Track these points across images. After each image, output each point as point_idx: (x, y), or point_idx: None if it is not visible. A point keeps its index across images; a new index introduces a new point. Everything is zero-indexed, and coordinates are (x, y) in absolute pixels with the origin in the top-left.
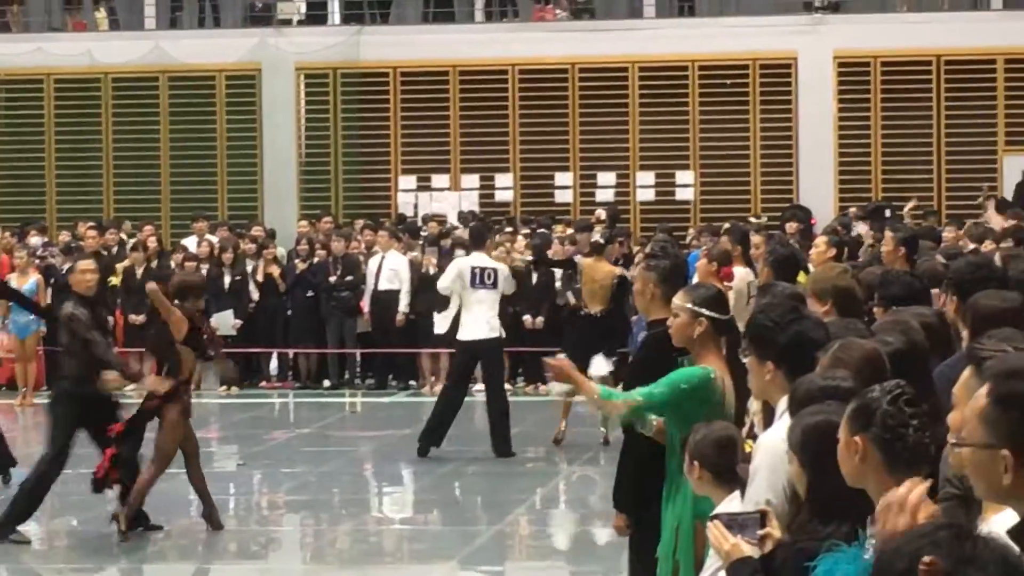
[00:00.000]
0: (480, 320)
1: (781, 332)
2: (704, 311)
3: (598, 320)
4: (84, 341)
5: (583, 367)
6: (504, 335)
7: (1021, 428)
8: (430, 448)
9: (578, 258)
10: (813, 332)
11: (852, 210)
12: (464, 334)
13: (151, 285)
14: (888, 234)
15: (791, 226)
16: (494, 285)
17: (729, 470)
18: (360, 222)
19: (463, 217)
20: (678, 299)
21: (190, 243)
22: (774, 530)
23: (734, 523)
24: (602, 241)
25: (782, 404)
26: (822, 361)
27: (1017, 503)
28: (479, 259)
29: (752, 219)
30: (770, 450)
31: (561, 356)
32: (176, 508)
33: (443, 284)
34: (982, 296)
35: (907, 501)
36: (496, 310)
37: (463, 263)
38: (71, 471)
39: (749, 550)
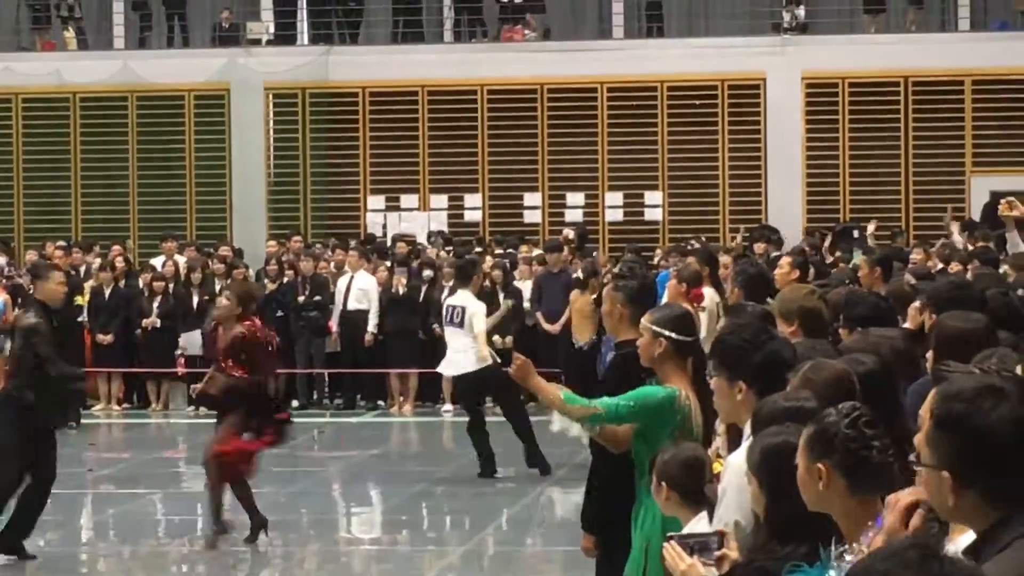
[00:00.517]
0: (455, 357)
1: (755, 351)
2: (665, 332)
3: (586, 352)
4: (38, 355)
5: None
6: (495, 361)
7: (957, 451)
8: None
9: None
10: (784, 352)
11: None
12: (446, 369)
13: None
14: (862, 258)
15: (759, 246)
16: (460, 324)
17: (696, 491)
18: (331, 241)
19: (432, 237)
20: (643, 319)
21: (159, 263)
22: (731, 551)
23: (691, 544)
24: (581, 276)
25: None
26: (792, 381)
27: (967, 523)
28: (457, 297)
29: (738, 236)
30: (739, 470)
31: (521, 357)
32: (143, 528)
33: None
34: (947, 317)
35: (899, 501)
36: (472, 345)
37: (447, 302)
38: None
39: (705, 571)
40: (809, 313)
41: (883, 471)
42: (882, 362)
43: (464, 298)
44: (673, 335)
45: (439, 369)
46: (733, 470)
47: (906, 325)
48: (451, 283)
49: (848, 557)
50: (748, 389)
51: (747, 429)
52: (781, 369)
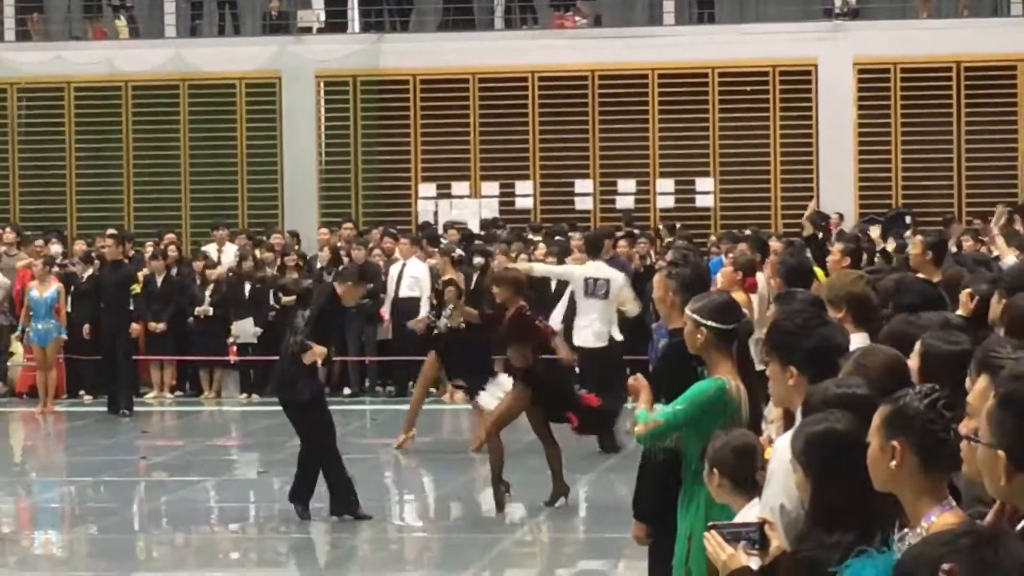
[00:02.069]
0: (586, 329)
1: (806, 337)
2: (705, 321)
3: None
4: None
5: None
6: (615, 341)
7: (1017, 432)
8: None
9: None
10: (836, 337)
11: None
12: (575, 340)
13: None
14: (917, 238)
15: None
16: (606, 296)
17: (748, 478)
18: (378, 230)
19: (484, 224)
20: (686, 309)
21: (211, 250)
22: (774, 540)
23: (733, 534)
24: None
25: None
26: (844, 367)
27: (1018, 503)
28: (594, 268)
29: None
30: (786, 454)
31: (639, 377)
32: (196, 516)
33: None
34: (1020, 298)
35: None
36: (607, 319)
37: (578, 271)
38: (91, 478)
39: (747, 561)
40: (857, 299)
41: (955, 454)
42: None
43: (603, 270)
44: (713, 324)
45: (573, 340)
46: (780, 454)
47: (958, 312)
48: (571, 257)
49: (910, 540)
50: (799, 374)
51: (799, 414)
52: (833, 355)
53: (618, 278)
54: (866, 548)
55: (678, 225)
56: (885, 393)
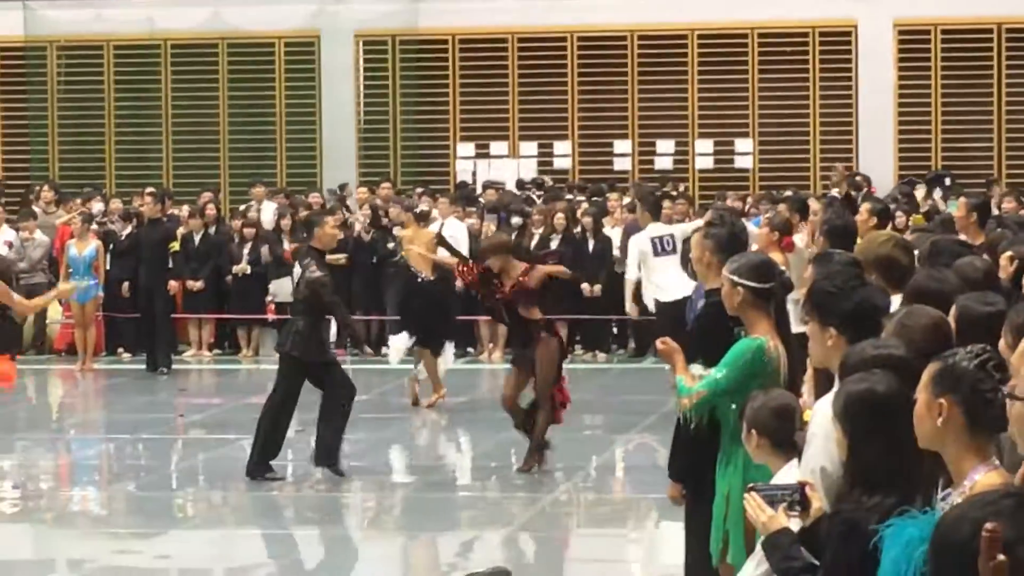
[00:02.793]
0: (675, 282)
1: (845, 298)
2: (742, 280)
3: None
4: (324, 305)
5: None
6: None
7: None
8: None
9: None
10: (876, 298)
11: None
12: (665, 296)
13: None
14: (961, 200)
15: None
16: (675, 250)
17: (787, 438)
18: (417, 189)
19: (521, 183)
20: (724, 269)
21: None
22: (815, 501)
23: (773, 495)
24: (427, 210)
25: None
26: (887, 328)
27: None
28: (657, 228)
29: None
30: (827, 416)
31: (668, 340)
32: (233, 473)
33: (630, 273)
34: None
35: None
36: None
37: (641, 239)
38: (128, 436)
39: (788, 522)
40: (885, 261)
41: (1002, 415)
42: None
43: (666, 227)
44: (750, 283)
45: (657, 297)
46: (821, 416)
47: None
48: (631, 216)
49: (953, 499)
50: (839, 335)
51: (811, 371)
52: (872, 316)
53: (678, 230)
54: (908, 508)
55: (682, 187)
56: (928, 353)
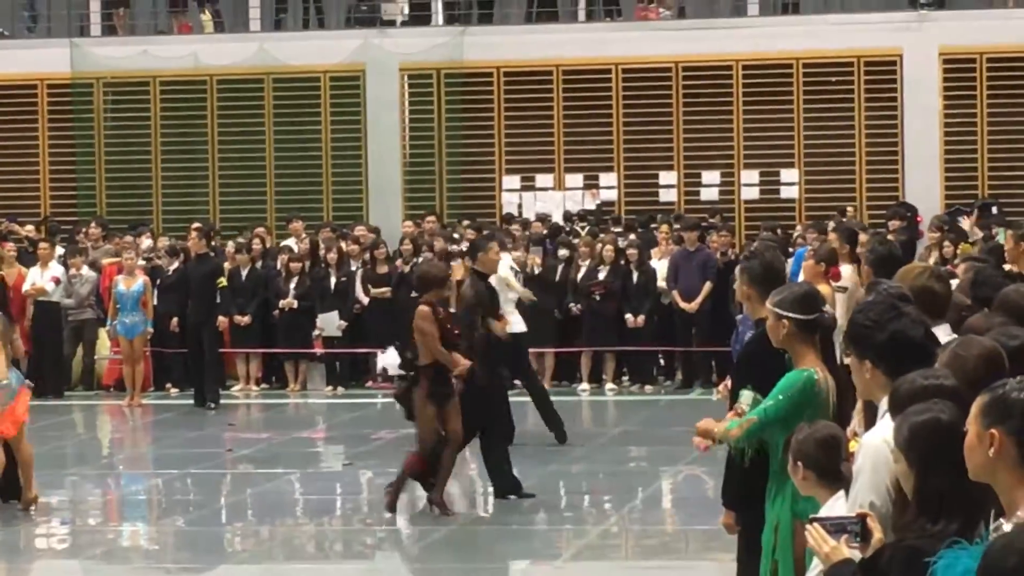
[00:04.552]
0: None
1: (880, 330)
2: (786, 313)
3: None
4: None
5: None
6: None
7: None
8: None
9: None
10: (911, 330)
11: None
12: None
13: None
14: (1008, 232)
15: (893, 223)
16: None
17: (833, 470)
18: (464, 222)
19: (568, 215)
20: (767, 302)
21: (292, 243)
22: (877, 531)
23: (835, 526)
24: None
25: (884, 403)
26: (940, 358)
27: None
28: None
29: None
30: (873, 450)
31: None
32: (282, 508)
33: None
34: None
35: None
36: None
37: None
38: (177, 471)
39: (849, 553)
40: (921, 292)
41: None
42: None
43: None
44: (794, 315)
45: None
46: (868, 450)
47: None
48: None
49: (1005, 530)
50: (874, 368)
51: (881, 407)
52: (906, 347)
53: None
54: (959, 540)
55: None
56: (981, 383)
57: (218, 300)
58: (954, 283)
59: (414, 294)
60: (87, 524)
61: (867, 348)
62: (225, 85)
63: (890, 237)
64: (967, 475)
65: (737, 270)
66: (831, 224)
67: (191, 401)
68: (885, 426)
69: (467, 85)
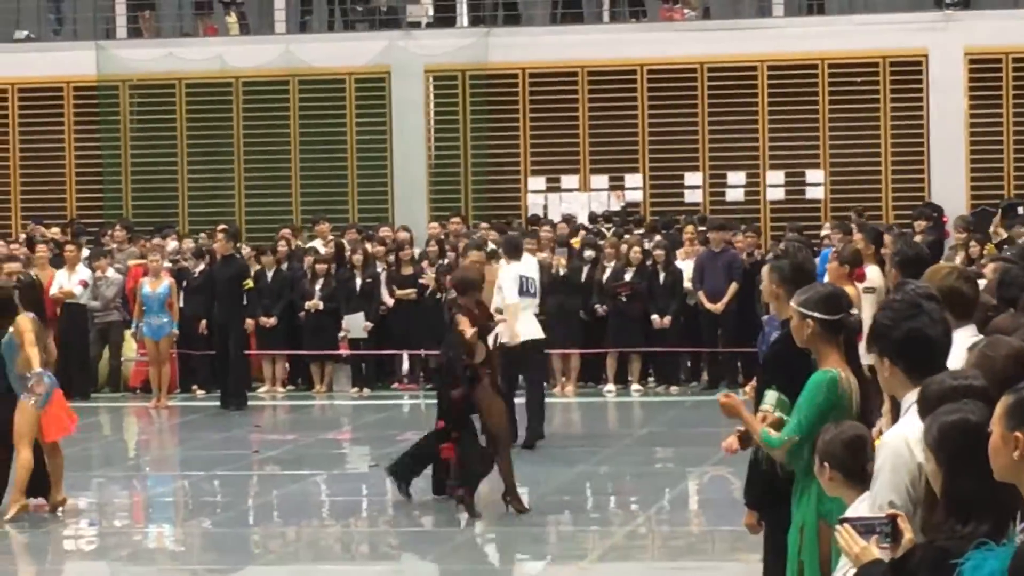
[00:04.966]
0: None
1: (895, 329)
2: (811, 313)
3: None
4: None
5: None
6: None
7: None
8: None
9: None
10: (929, 329)
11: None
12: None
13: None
14: None
15: (920, 224)
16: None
17: (859, 470)
18: (485, 224)
19: (593, 217)
20: (792, 302)
21: (318, 245)
22: (907, 532)
23: (865, 526)
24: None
25: (905, 401)
26: (967, 358)
27: None
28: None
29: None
30: (892, 449)
31: (731, 395)
32: (308, 509)
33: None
34: None
35: None
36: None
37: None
38: (203, 472)
39: (880, 554)
40: (949, 293)
41: None
42: None
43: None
44: (819, 315)
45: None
46: (887, 450)
47: None
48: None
49: None
50: (892, 365)
51: (903, 404)
52: (923, 346)
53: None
54: (986, 541)
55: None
56: (1009, 383)
57: (244, 302)
58: (981, 283)
59: (446, 295)
60: (114, 526)
61: (885, 345)
62: (250, 87)
63: (917, 238)
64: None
65: (765, 269)
66: (854, 225)
67: (217, 403)
68: (904, 425)
69: (492, 86)
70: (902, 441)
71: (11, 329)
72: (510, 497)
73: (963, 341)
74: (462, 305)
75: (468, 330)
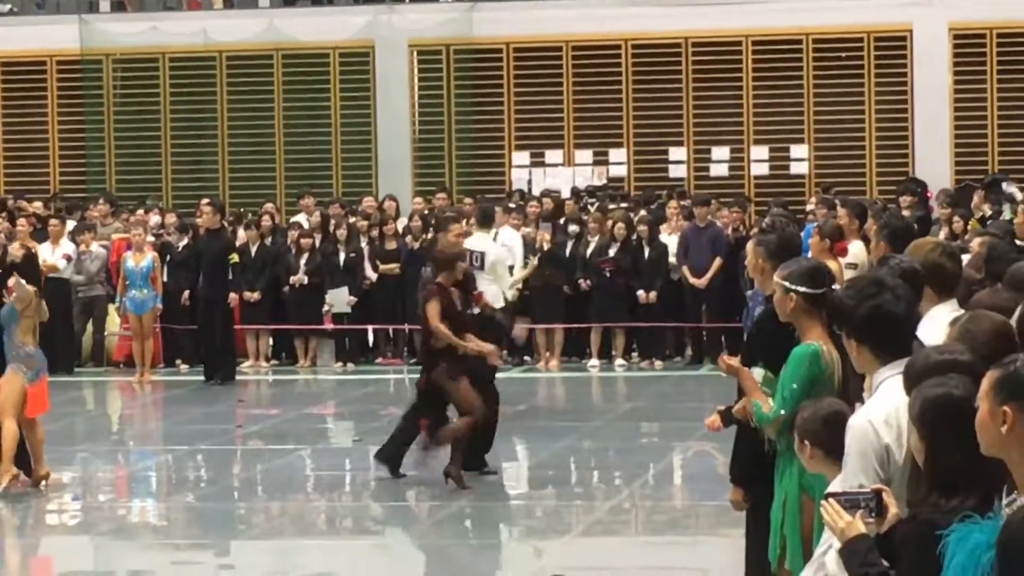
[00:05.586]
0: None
1: (858, 307)
2: (794, 287)
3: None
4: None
5: None
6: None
7: None
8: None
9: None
10: (891, 306)
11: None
12: None
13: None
14: (1020, 207)
15: (905, 199)
16: (481, 267)
17: (839, 446)
18: (468, 199)
19: (576, 192)
20: (775, 275)
21: (303, 219)
22: (892, 507)
23: (850, 501)
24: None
25: (875, 380)
26: (950, 333)
27: None
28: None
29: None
30: (859, 432)
31: (734, 361)
32: (292, 484)
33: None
34: None
35: None
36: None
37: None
38: (187, 447)
39: (865, 528)
40: (932, 268)
41: None
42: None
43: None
44: (803, 289)
45: None
46: (855, 432)
47: None
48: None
49: (1019, 505)
50: (859, 344)
51: (873, 383)
52: (886, 323)
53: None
54: (971, 514)
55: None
56: (991, 358)
57: (230, 276)
58: (964, 259)
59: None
60: (97, 500)
61: (849, 324)
62: (234, 61)
63: (904, 213)
64: (979, 450)
65: (751, 243)
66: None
67: (201, 377)
68: (870, 407)
69: (476, 61)
70: (867, 423)
71: (13, 296)
72: (453, 471)
73: (945, 316)
74: (439, 284)
75: (434, 317)
